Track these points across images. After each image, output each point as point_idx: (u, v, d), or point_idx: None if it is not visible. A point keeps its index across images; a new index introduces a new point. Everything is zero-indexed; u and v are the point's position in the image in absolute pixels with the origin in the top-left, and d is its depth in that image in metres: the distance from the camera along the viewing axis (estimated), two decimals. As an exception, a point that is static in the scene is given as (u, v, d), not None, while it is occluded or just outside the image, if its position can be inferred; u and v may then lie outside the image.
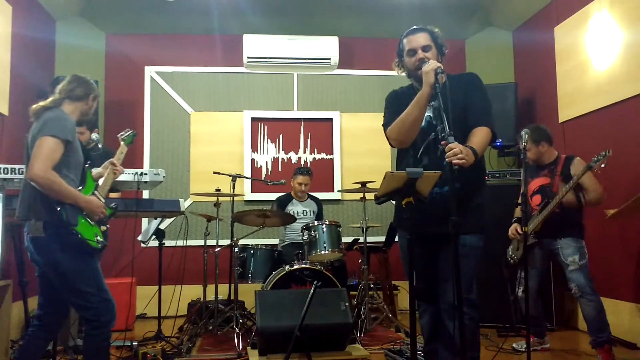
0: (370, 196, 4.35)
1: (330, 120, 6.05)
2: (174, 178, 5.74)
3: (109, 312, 2.59)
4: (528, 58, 5.79)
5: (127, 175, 3.46)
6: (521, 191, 3.29)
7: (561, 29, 5.01)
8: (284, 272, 4.01)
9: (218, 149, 5.85)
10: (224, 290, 4.92)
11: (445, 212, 2.10)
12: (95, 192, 2.72)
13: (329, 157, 6.04)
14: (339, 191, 5.84)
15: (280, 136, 6.01)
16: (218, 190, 4.56)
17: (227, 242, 4.51)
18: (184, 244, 4.65)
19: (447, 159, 2.11)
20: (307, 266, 4.05)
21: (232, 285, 4.46)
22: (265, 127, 5.99)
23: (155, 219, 4.37)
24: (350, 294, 4.46)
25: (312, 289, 3.13)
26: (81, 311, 2.62)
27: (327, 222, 4.35)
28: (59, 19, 5.57)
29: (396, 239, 4.27)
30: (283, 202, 5.10)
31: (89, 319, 2.56)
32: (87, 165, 2.73)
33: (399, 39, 2.57)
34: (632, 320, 4.03)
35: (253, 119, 5.95)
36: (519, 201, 3.84)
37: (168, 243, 4.49)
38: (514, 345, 3.92)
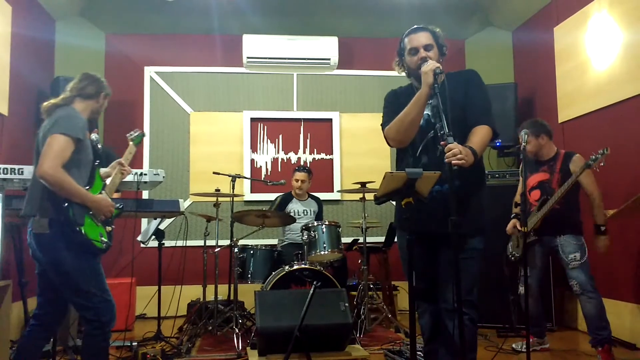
0: (370, 196, 4.35)
1: (330, 120, 6.05)
2: (174, 178, 5.74)
3: (109, 313, 2.59)
4: (528, 58, 5.79)
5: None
6: (520, 191, 3.30)
7: (561, 29, 5.01)
8: (284, 272, 4.01)
9: (218, 149, 5.85)
10: (223, 290, 4.92)
11: (445, 212, 2.10)
12: (103, 191, 2.71)
13: (328, 157, 6.04)
14: (338, 191, 5.84)
15: (280, 136, 6.01)
16: (218, 190, 4.56)
17: (226, 242, 4.51)
18: (184, 244, 4.66)
19: (446, 160, 2.11)
20: (306, 266, 4.05)
21: (232, 285, 4.46)
22: (265, 127, 5.99)
23: (155, 219, 4.37)
24: (349, 294, 4.46)
25: (312, 289, 3.13)
26: (81, 311, 2.62)
27: (326, 223, 4.35)
28: (58, 19, 5.57)
29: (396, 239, 4.27)
30: (283, 201, 5.10)
31: (89, 318, 2.56)
32: (96, 164, 2.73)
33: (398, 39, 2.56)
34: (632, 320, 4.02)
35: (253, 119, 5.95)
36: (518, 201, 3.85)
37: (168, 243, 4.49)
38: (513, 345, 3.92)
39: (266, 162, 5.96)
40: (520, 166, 3.85)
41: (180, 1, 5.41)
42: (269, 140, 5.99)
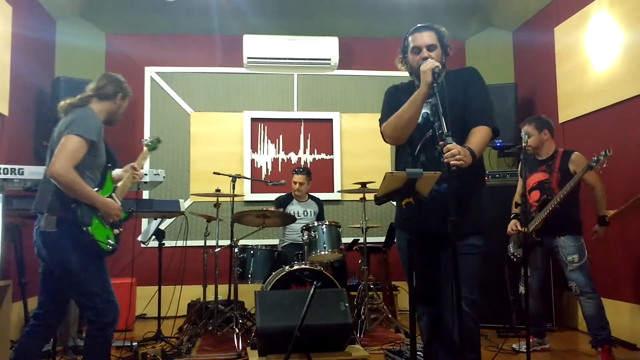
0: (370, 196, 4.35)
1: (330, 120, 6.05)
2: (174, 178, 5.74)
3: (112, 313, 2.58)
4: (528, 58, 5.78)
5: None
6: (520, 192, 3.29)
7: (561, 29, 5.01)
8: (284, 272, 4.01)
9: (218, 150, 5.85)
10: (223, 290, 4.92)
11: (445, 212, 2.09)
12: (113, 194, 2.70)
13: (328, 157, 6.04)
14: (338, 191, 5.84)
15: (280, 136, 6.01)
16: (218, 190, 4.56)
17: (227, 242, 4.51)
18: (184, 245, 4.66)
19: (445, 160, 2.11)
20: (307, 266, 4.05)
21: (232, 285, 4.46)
22: (265, 127, 5.99)
23: (155, 219, 4.37)
24: (350, 294, 4.46)
25: (312, 289, 3.13)
26: (84, 311, 2.62)
27: (326, 223, 4.35)
28: (59, 19, 5.57)
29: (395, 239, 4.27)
30: (283, 202, 5.10)
31: (91, 319, 2.56)
32: (108, 166, 2.72)
33: (399, 39, 2.56)
34: (632, 320, 4.02)
35: (253, 120, 5.95)
36: (518, 201, 3.84)
37: (168, 243, 4.49)
38: (513, 345, 3.91)
39: (266, 162, 5.96)
40: (520, 165, 3.84)
41: (180, 1, 5.41)
42: (269, 141, 5.99)
